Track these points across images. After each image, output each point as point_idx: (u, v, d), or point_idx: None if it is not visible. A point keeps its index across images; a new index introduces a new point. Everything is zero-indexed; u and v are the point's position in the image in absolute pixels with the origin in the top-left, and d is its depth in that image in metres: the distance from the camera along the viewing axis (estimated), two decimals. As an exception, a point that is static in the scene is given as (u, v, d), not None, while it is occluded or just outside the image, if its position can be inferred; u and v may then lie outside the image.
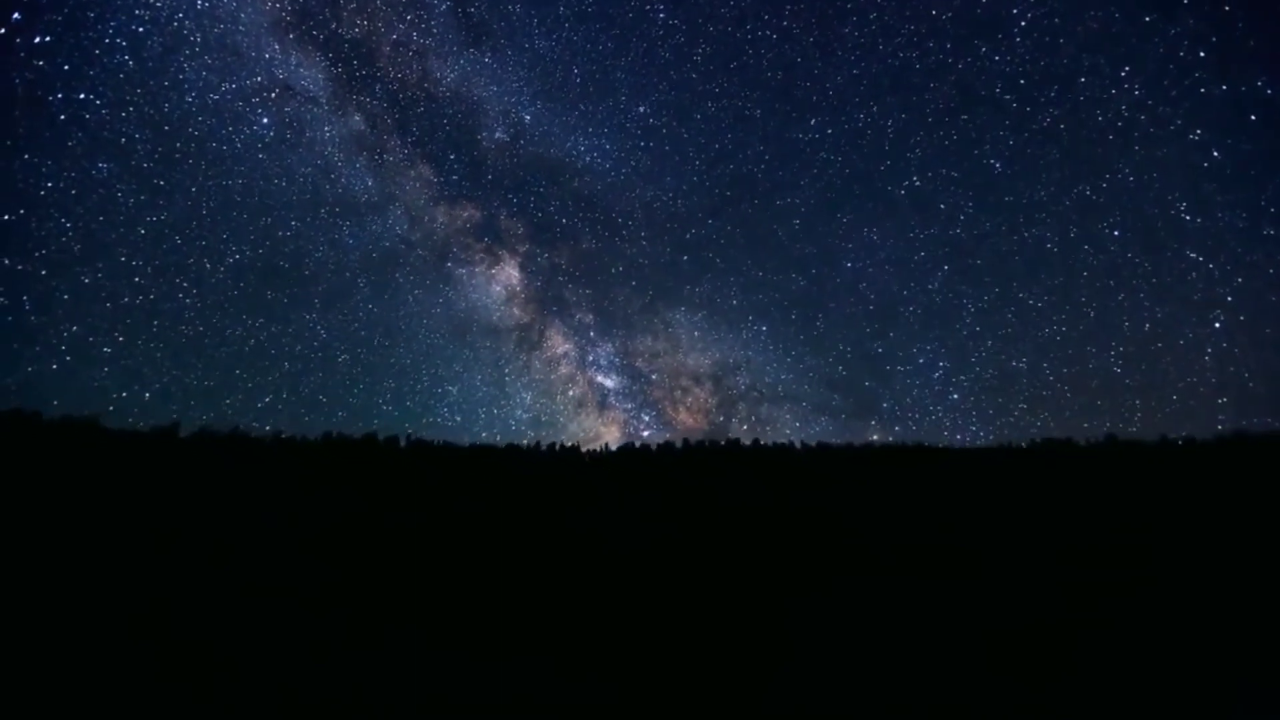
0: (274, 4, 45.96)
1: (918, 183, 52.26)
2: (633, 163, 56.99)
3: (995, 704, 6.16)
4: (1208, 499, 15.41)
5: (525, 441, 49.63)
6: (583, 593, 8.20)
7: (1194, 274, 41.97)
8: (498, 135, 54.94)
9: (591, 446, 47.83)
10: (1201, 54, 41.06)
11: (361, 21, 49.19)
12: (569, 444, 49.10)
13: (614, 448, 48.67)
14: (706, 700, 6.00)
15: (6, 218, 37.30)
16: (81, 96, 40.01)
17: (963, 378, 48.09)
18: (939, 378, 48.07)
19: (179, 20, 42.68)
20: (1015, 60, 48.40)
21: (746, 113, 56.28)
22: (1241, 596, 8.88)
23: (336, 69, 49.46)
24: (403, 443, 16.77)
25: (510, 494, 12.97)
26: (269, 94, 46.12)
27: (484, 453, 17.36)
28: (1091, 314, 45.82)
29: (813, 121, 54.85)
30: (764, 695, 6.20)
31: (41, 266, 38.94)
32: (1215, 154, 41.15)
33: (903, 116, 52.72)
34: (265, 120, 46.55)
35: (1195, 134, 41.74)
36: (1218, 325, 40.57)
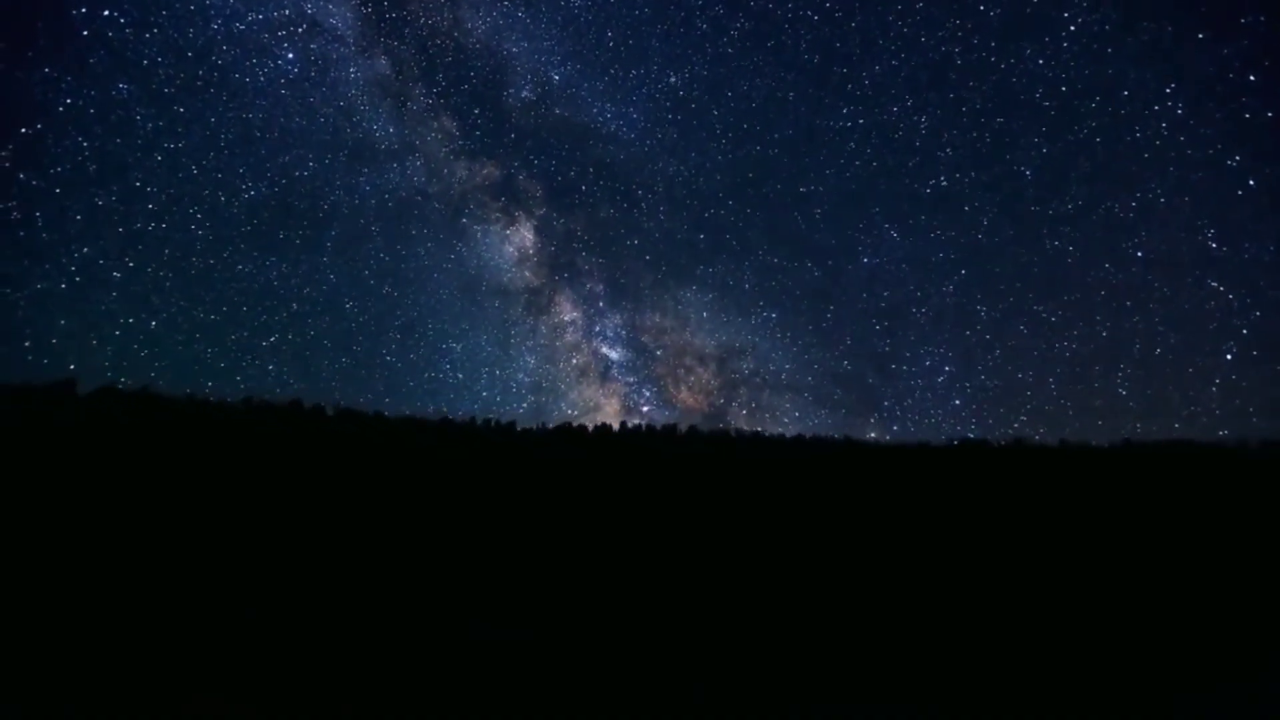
0: (306, -66, 44.68)
1: (944, 183, 51.31)
2: (658, 134, 55.87)
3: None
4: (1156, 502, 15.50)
5: (524, 406, 49.92)
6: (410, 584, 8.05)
7: (1212, 303, 41.49)
8: (524, 94, 53.82)
9: (583, 420, 47.96)
10: (1251, 77, 39.91)
11: (395, -39, 47.84)
12: (571, 412, 49.25)
13: (613, 421, 48.89)
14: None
15: (24, 131, 36.92)
16: (106, 13, 39.21)
17: (967, 384, 47.98)
18: (943, 382, 47.94)
19: (208, -58, 41.63)
20: (1059, 66, 47.05)
21: (779, 95, 54.91)
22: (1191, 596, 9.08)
23: (366, 9, 48.23)
24: (330, 411, 16.36)
25: (416, 473, 12.74)
26: (296, 28, 45.12)
27: (413, 426, 17.11)
28: (1104, 333, 45.46)
29: (845, 110, 53.58)
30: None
31: (56, 184, 38.68)
32: (1251, 182, 40.32)
33: (937, 113, 51.48)
34: (290, 55, 45.64)
35: (1234, 160, 40.83)
36: (1229, 357, 40.29)
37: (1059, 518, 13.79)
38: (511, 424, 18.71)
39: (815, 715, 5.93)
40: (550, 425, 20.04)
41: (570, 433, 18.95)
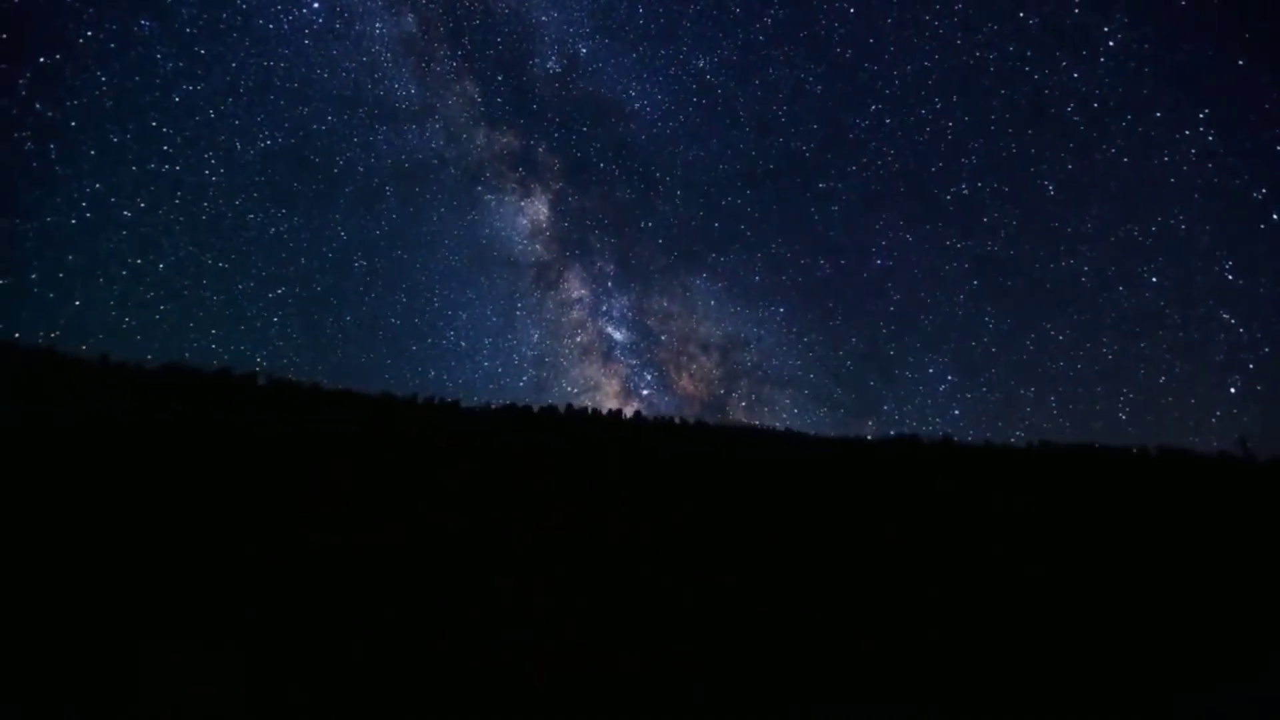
0: (341, -118, 43.85)
1: (965, 191, 50.90)
2: (681, 118, 55.31)
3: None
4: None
5: (524, 380, 49.90)
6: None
7: (1223, 335, 41.28)
8: (549, 65, 53.20)
9: (582, 402, 47.90)
10: (1287, 109, 39.35)
11: (429, -83, 46.99)
12: (571, 390, 49.08)
13: (612, 402, 48.96)
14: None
15: (42, 60, 36.46)
16: (132, -54, 38.60)
17: (968, 395, 47.95)
18: (944, 391, 47.90)
19: (240, -119, 40.84)
20: (1094, 81, 46.39)
21: (806, 87, 54.25)
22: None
23: (396, -37, 47.52)
24: (261, 380, 15.92)
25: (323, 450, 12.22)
26: (323, -23, 44.48)
27: (344, 398, 16.60)
28: (1110, 356, 45.30)
29: (872, 108, 52.99)
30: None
31: (72, 117, 38.27)
32: (1275, 216, 39.94)
33: (965, 119, 50.91)
34: (316, 4, 45.09)
35: (1260, 192, 40.44)
36: (1233, 390, 40.20)
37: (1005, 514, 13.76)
38: (455, 402, 18.36)
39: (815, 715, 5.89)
40: (494, 406, 19.69)
41: (517, 413, 18.72)
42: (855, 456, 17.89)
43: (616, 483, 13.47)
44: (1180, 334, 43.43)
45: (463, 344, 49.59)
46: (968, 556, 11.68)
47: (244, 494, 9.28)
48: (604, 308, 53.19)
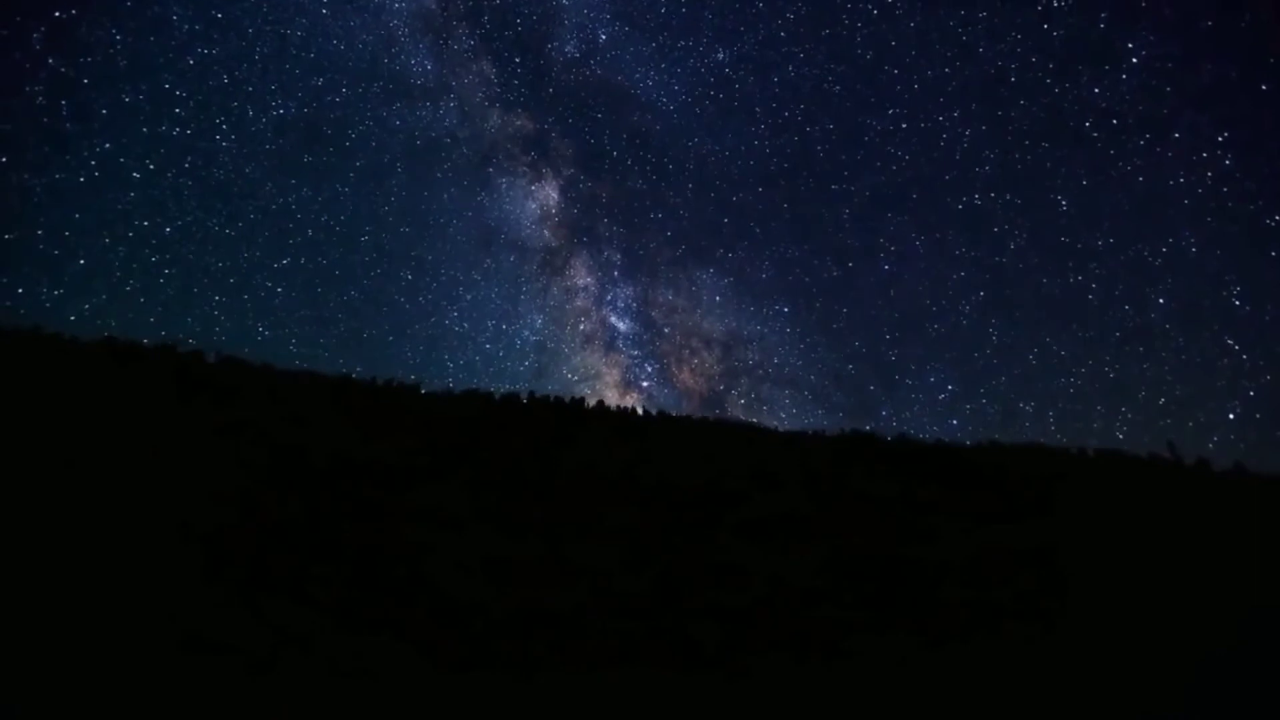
0: None
1: (978, 201, 50.10)
2: (698, 111, 54.99)
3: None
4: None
5: (525, 364, 50.13)
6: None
7: (1225, 360, 40.25)
8: (568, 49, 53.31)
9: (583, 389, 48.10)
10: (1310, 137, 38.31)
11: (453, -110, 47.39)
12: (571, 377, 49.35)
13: (611, 392, 48.99)
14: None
15: (57, 15, 37.22)
16: (153, -97, 39.32)
17: (967, 406, 47.37)
18: (944, 400, 47.33)
19: None
20: (1115, 97, 45.38)
21: (825, 87, 53.62)
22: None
23: (418, -64, 47.91)
24: (212, 358, 15.80)
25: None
26: (344, -53, 45.07)
27: (301, 378, 16.46)
28: (1111, 375, 44.44)
29: (890, 112, 52.28)
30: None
31: (85, 74, 39.02)
32: (1289, 244, 38.87)
33: (982, 129, 50.05)
34: (335, -27, 45.47)
35: (1273, 219, 39.34)
36: (1231, 416, 39.31)
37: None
38: (416, 386, 18.40)
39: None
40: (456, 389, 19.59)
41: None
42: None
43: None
44: (1183, 356, 42.43)
45: (465, 325, 49.70)
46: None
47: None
48: (609, 297, 53.13)
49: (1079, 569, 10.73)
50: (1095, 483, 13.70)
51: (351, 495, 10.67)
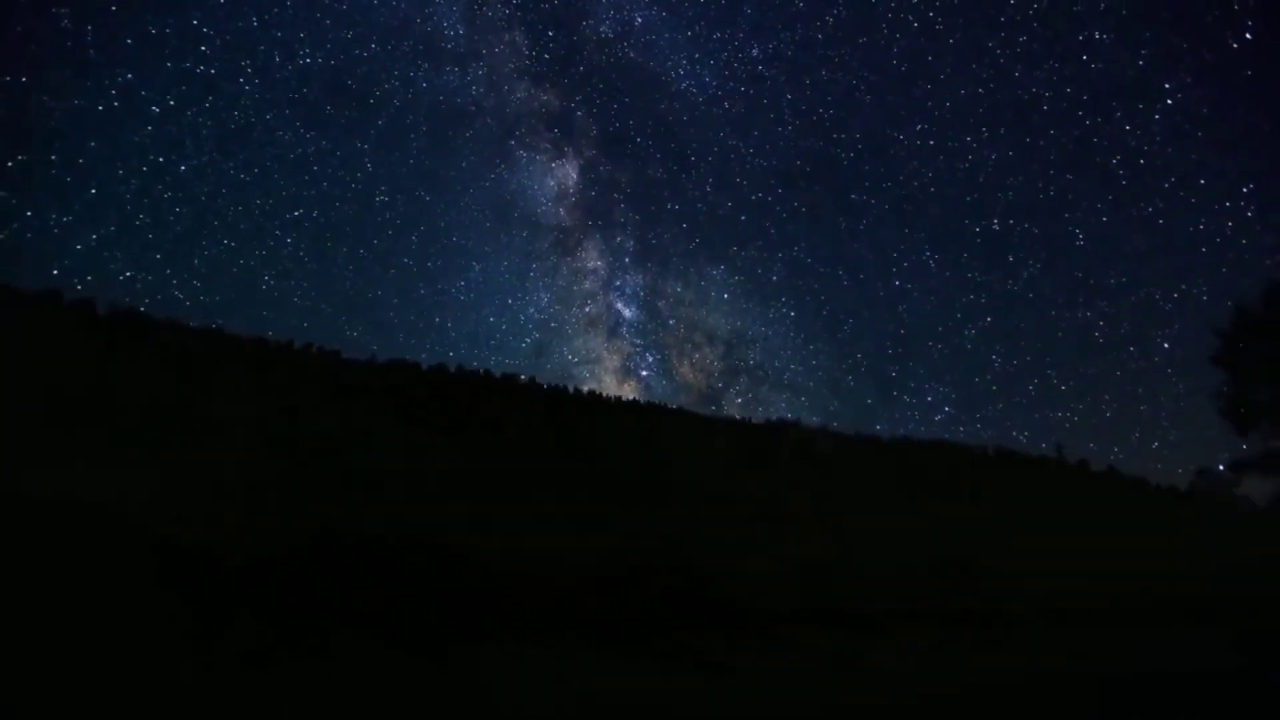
0: None
1: (996, 226, 49.08)
2: (726, 104, 53.66)
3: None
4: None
5: (526, 341, 49.62)
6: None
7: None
8: (602, 29, 52.10)
9: (582, 372, 47.64)
10: (1333, 195, 37.40)
11: None
12: (571, 359, 48.64)
13: (610, 378, 48.66)
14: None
15: (87, -62, 35.12)
16: None
17: (961, 430, 46.86)
18: (940, 421, 46.87)
19: None
20: (1145, 136, 43.84)
21: (856, 94, 52.05)
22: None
23: (462, -106, 45.56)
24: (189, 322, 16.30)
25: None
26: (383, -103, 42.65)
27: (281, 350, 16.76)
28: (1109, 414, 44.17)
29: (919, 127, 50.85)
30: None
31: (112, 3, 37.51)
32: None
33: (1009, 154, 48.64)
34: (374, -75, 42.87)
35: (1289, 274, 38.87)
36: (1221, 467, 39.55)
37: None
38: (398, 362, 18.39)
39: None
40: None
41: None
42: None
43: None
44: (1181, 403, 42.18)
45: (471, 295, 49.47)
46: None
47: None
48: (618, 282, 52.82)
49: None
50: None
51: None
